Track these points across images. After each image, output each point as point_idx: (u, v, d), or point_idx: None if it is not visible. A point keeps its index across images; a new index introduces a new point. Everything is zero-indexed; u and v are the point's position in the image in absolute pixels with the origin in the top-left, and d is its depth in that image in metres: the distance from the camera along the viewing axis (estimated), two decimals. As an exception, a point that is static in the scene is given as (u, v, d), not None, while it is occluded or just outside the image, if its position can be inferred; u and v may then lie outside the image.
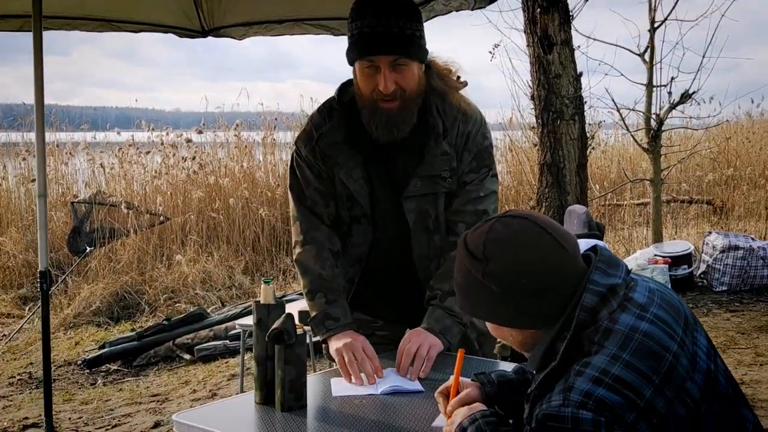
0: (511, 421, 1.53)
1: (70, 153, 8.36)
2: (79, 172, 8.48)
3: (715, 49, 9.06)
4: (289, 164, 2.16)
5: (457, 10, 2.36)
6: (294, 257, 2.13)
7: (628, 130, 6.38)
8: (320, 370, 3.20)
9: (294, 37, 3.00)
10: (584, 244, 2.52)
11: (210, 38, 2.95)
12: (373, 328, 2.20)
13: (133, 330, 5.59)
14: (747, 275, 5.92)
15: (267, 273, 7.17)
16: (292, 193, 2.13)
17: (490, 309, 1.33)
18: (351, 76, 2.04)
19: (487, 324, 1.40)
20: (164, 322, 5.32)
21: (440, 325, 1.96)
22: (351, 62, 1.96)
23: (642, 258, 5.71)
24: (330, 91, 2.10)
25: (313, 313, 2.04)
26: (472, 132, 2.03)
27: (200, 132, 8.94)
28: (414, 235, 2.04)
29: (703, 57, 6.10)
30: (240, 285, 6.83)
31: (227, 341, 5.12)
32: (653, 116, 5.97)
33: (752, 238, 6.13)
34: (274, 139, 8.95)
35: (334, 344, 1.96)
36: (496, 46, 6.46)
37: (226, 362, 4.88)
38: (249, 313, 5.24)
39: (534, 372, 1.37)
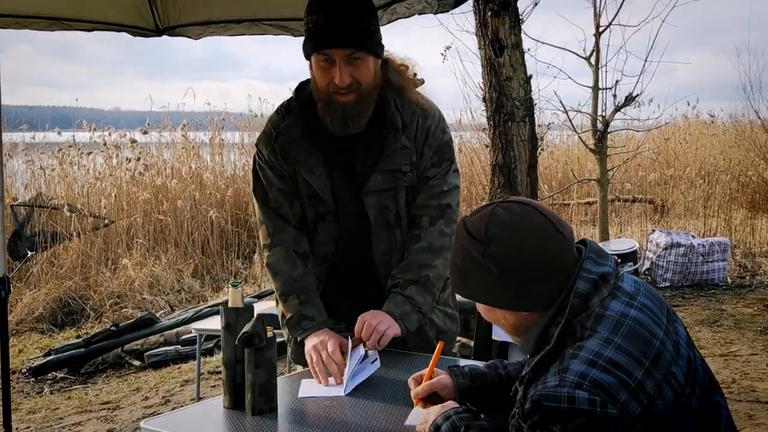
0: (482, 416, 1.56)
1: (9, 154, 8.04)
2: (18, 174, 8.17)
3: (656, 54, 9.37)
4: (251, 168, 2.14)
5: (420, 14, 2.37)
6: (264, 261, 2.12)
7: (575, 131, 6.55)
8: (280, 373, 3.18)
9: (239, 37, 2.96)
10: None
11: (151, 36, 2.87)
12: (338, 331, 2.19)
13: (78, 337, 5.43)
14: (688, 271, 6.15)
15: (217, 276, 7.07)
16: (257, 197, 2.11)
17: (487, 291, 1.35)
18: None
19: (480, 306, 1.42)
20: (112, 327, 5.18)
21: (400, 311, 1.98)
22: (307, 56, 1.95)
23: (589, 256, 5.85)
24: (277, 91, 2.10)
25: (288, 315, 2.03)
26: (431, 127, 2.05)
27: (145, 132, 8.73)
28: (375, 230, 2.05)
29: (645, 61, 6.33)
30: (189, 289, 6.71)
31: (179, 346, 5.03)
32: (599, 118, 6.15)
33: (692, 236, 6.38)
34: (222, 140, 8.82)
35: (308, 344, 1.96)
36: (448, 48, 6.54)
37: (179, 368, 4.79)
38: (202, 317, 5.16)
39: (527, 356, 1.40)
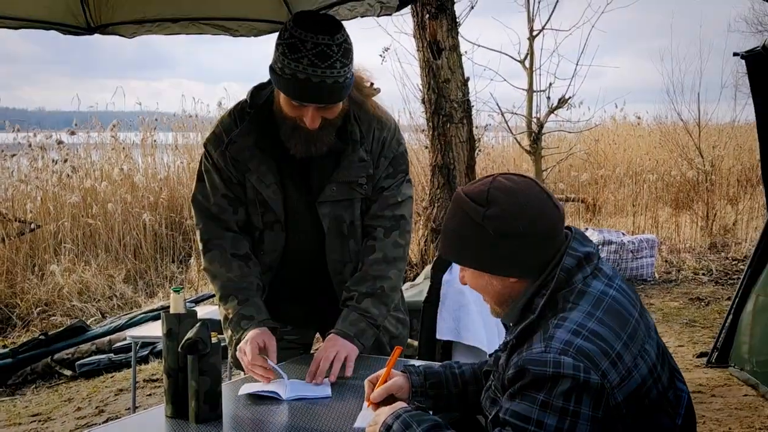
0: (431, 412, 1.58)
1: (-75, 157, 7.62)
2: (-65, 178, 7.75)
3: (586, 57, 9.66)
4: (197, 168, 2.10)
5: (362, 17, 2.36)
6: (202, 266, 2.08)
7: (511, 132, 6.70)
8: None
9: (170, 36, 2.87)
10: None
11: (82, 35, 2.75)
12: (282, 333, 2.18)
13: (5, 346, 5.19)
14: (619, 267, 6.38)
15: (151, 281, 6.88)
16: (197, 199, 2.07)
17: (480, 254, 1.38)
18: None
19: (468, 273, 1.44)
20: (41, 336, 4.97)
21: (355, 329, 1.97)
22: (275, 86, 1.90)
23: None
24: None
25: (229, 317, 2.00)
26: (387, 138, 2.06)
27: (73, 133, 8.42)
28: (328, 240, 2.04)
29: (577, 64, 6.53)
30: (122, 295, 6.52)
31: (112, 354, 4.87)
32: (534, 119, 6.30)
33: (623, 234, 6.62)
34: (154, 141, 8.59)
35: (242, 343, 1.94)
36: (386, 49, 6.56)
37: (112, 377, 4.64)
38: (136, 323, 5.01)
39: (510, 325, 1.45)
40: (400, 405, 1.52)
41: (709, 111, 9.44)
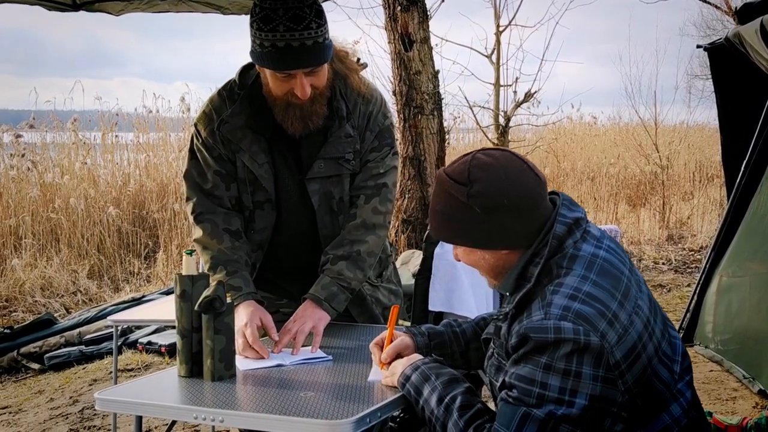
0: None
1: None
2: None
3: (551, 53, 9.88)
4: (188, 147, 2.11)
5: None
6: (192, 238, 2.10)
7: (479, 125, 6.82)
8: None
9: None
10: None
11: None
12: (278, 306, 2.20)
13: (-32, 342, 5.03)
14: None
15: (116, 277, 6.77)
16: (189, 176, 2.08)
17: (470, 232, 1.42)
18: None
19: (460, 251, 1.48)
20: (5, 330, 4.85)
21: (325, 293, 1.97)
22: (260, 65, 1.93)
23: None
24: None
25: None
26: (373, 112, 2.08)
27: (32, 126, 8.22)
28: (319, 217, 2.06)
29: (542, 60, 6.70)
30: (86, 290, 6.39)
31: (82, 346, 4.78)
32: (501, 113, 6.44)
33: (586, 225, 6.80)
34: (116, 136, 8.46)
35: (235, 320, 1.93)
36: (356, 42, 6.61)
37: (84, 368, 4.55)
38: (107, 314, 4.93)
39: (507, 294, 1.48)
40: (417, 357, 1.57)
41: (663, 112, 9.77)
